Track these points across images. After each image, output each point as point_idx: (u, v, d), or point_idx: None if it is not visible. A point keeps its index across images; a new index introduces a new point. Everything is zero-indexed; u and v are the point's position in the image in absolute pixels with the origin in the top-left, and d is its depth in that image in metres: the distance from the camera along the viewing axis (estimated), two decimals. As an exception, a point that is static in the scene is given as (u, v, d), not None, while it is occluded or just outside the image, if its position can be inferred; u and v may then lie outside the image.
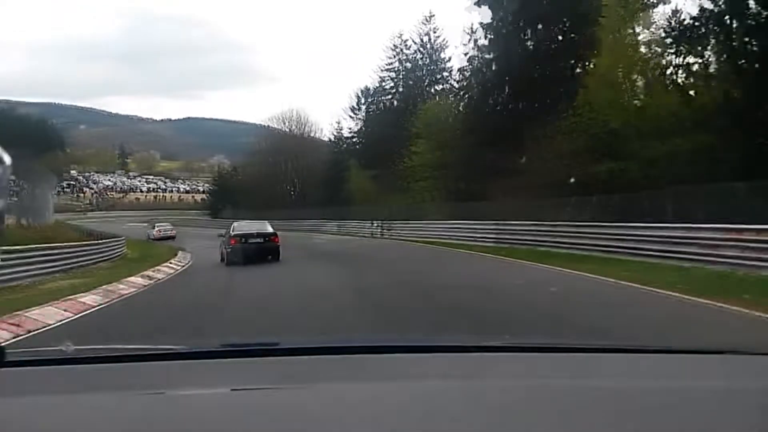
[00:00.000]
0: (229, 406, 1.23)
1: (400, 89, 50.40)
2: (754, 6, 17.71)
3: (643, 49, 20.59)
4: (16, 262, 13.66)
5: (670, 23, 20.28)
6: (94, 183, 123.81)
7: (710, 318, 7.34)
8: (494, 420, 1.13)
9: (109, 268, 18.49)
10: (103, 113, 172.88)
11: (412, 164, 35.62)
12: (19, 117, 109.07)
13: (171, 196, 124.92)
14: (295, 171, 62.29)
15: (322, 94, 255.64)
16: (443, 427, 1.10)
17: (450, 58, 48.17)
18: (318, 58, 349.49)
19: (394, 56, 50.72)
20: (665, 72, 20.20)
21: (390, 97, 51.38)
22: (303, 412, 1.17)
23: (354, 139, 55.12)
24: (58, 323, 8.58)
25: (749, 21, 17.89)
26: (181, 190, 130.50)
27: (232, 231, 18.57)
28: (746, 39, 17.94)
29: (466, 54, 34.21)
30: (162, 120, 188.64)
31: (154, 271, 16.02)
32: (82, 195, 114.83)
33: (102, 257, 21.27)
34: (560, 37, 27.79)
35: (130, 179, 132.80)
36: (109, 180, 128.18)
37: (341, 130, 56.85)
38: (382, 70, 51.58)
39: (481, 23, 32.19)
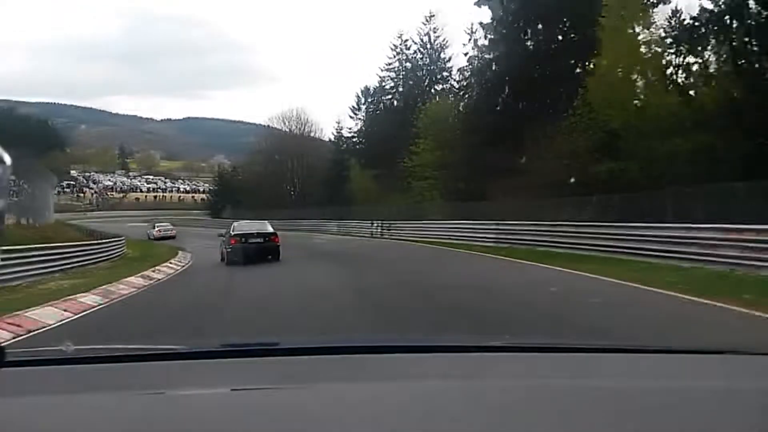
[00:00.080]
0: (229, 406, 1.23)
1: (401, 89, 50.40)
2: (754, 6, 17.73)
3: (643, 49, 20.55)
4: (15, 262, 13.60)
5: (671, 23, 20.31)
6: (95, 183, 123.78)
7: (710, 318, 7.34)
8: (494, 420, 1.13)
9: (109, 268, 18.48)
10: (104, 113, 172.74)
11: (413, 164, 35.62)
12: (19, 117, 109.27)
13: (172, 196, 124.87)
14: (295, 171, 62.31)
15: (322, 94, 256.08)
16: (443, 427, 1.10)
17: (451, 58, 48.28)
18: (319, 58, 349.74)
19: (395, 56, 50.82)
20: (665, 72, 20.19)
21: (390, 96, 51.40)
22: (303, 412, 1.17)
23: (355, 139, 55.12)
24: (58, 323, 8.57)
25: (749, 21, 17.92)
26: (182, 190, 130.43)
27: (233, 231, 18.59)
28: (746, 39, 17.97)
29: (466, 54, 34.31)
30: (163, 120, 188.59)
31: (154, 271, 16.02)
32: (82, 195, 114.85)
33: (102, 257, 21.26)
34: (560, 37, 27.84)
35: (131, 179, 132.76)
36: (110, 180, 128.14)
37: (342, 129, 56.99)
38: (382, 70, 51.70)
39: (480, 23, 32.31)
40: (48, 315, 8.89)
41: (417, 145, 35.53)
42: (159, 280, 14.88)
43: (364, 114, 54.13)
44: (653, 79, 20.55)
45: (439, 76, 48.83)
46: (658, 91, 19.96)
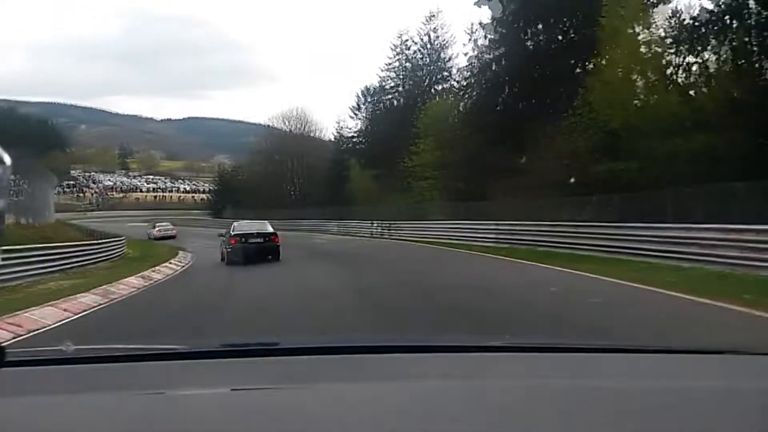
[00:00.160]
0: (229, 406, 1.23)
1: (402, 89, 50.29)
2: (753, 6, 17.72)
3: (643, 49, 20.52)
4: (14, 262, 13.52)
5: (671, 23, 20.28)
6: (95, 183, 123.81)
7: (711, 318, 7.34)
8: (494, 420, 1.13)
9: (109, 268, 18.47)
10: (104, 113, 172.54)
11: (413, 164, 35.56)
12: (19, 117, 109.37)
13: (173, 196, 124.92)
14: (296, 171, 62.29)
15: (324, 94, 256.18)
16: (443, 427, 1.10)
17: (452, 57, 48.14)
18: (319, 58, 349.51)
19: (396, 56, 50.75)
20: (665, 72, 20.18)
21: (391, 96, 51.30)
22: (303, 412, 1.17)
23: (355, 139, 55.04)
24: (58, 323, 8.56)
25: (749, 21, 17.92)
26: (183, 190, 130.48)
27: (233, 231, 18.61)
28: (746, 39, 17.96)
29: (470, 51, 34.28)
30: (163, 120, 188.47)
31: (153, 272, 16.00)
32: (83, 195, 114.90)
33: (102, 257, 21.26)
34: (561, 37, 27.81)
35: (132, 179, 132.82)
36: (111, 180, 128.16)
37: (342, 129, 56.93)
38: (383, 70, 51.63)
39: (480, 23, 32.32)
40: (47, 315, 8.86)
41: (417, 145, 35.48)
42: (158, 280, 14.87)
43: (364, 114, 54.13)
44: (653, 79, 20.54)
45: (439, 76, 48.68)
46: (658, 90, 19.95)
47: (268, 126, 70.91)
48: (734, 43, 18.40)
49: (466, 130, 31.25)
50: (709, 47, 19.30)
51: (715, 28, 18.67)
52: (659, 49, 20.17)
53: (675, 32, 19.93)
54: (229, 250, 17.97)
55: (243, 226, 19.56)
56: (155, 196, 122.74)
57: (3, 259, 13.04)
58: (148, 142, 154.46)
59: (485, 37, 31.94)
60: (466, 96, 34.48)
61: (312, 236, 36.02)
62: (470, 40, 33.35)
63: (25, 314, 8.71)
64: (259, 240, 18.33)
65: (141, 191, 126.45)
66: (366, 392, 1.31)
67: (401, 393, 1.29)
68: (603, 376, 1.47)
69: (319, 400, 1.25)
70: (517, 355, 1.69)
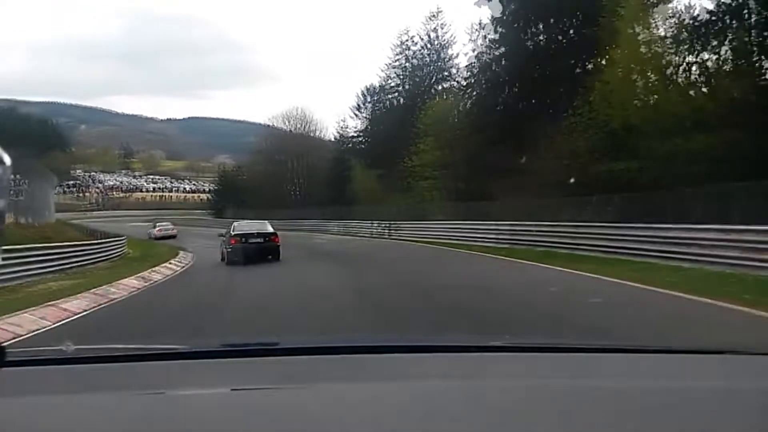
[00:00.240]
0: (229, 406, 1.23)
1: (405, 87, 50.11)
2: (753, 5, 17.73)
3: (647, 48, 20.47)
4: (11, 262, 13.23)
5: (671, 22, 20.25)
6: (99, 182, 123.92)
7: (711, 317, 7.35)
8: (494, 420, 1.13)
9: (108, 268, 18.45)
10: (106, 113, 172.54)
11: (416, 163, 35.46)
12: (20, 116, 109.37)
13: (175, 196, 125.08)
14: (298, 170, 62.26)
15: (326, 94, 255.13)
16: (443, 427, 1.10)
17: (455, 56, 47.87)
18: (321, 57, 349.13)
19: (399, 53, 50.51)
20: (665, 71, 20.16)
21: (395, 95, 51.13)
22: (303, 412, 1.17)
23: (358, 138, 54.93)
24: (37, 332, 8.14)
25: (749, 20, 17.92)
26: (185, 189, 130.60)
27: (233, 231, 18.62)
28: (746, 38, 17.95)
29: (470, 52, 34.24)
30: (166, 120, 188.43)
31: (153, 272, 15.93)
32: (85, 195, 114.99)
33: (101, 257, 21.24)
34: (560, 37, 27.78)
35: (135, 179, 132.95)
36: (114, 180, 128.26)
37: (345, 128, 56.81)
38: (387, 68, 51.42)
39: (480, 23, 32.33)
40: (30, 321, 8.49)
41: (418, 144, 35.40)
42: (157, 281, 14.79)
43: (365, 114, 54.01)
44: (653, 79, 20.52)
45: (441, 76, 48.45)
46: (658, 90, 19.93)
47: (270, 126, 70.99)
48: (734, 43, 18.40)
49: (467, 130, 31.24)
50: (709, 47, 19.30)
51: (715, 28, 18.67)
52: (659, 49, 20.16)
53: (675, 32, 19.92)
54: (229, 250, 17.97)
55: (243, 226, 19.57)
56: (159, 196, 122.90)
57: (3, 259, 13.00)
58: (150, 142, 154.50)
59: (484, 38, 31.96)
60: (467, 96, 34.46)
61: (313, 236, 36.02)
62: (471, 39, 33.37)
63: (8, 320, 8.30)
64: (259, 240, 18.33)
65: (144, 191, 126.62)
66: (366, 392, 1.31)
67: (401, 393, 1.29)
68: (603, 376, 1.47)
69: (319, 400, 1.25)
70: (517, 355, 1.69)
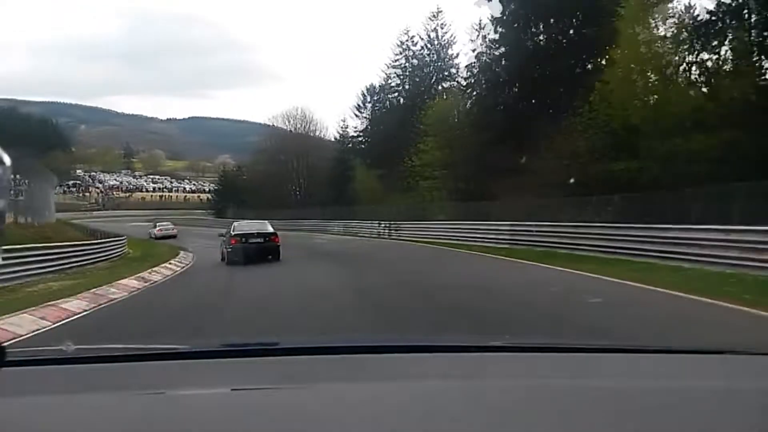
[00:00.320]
0: (229, 406, 1.23)
1: (406, 87, 50.04)
2: (754, 5, 17.73)
3: (644, 49, 20.48)
4: (11, 262, 13.13)
5: (671, 22, 20.26)
6: (100, 182, 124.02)
7: (712, 317, 7.35)
8: (494, 420, 1.13)
9: (108, 268, 18.42)
10: (107, 112, 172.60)
11: (418, 163, 35.40)
12: (21, 116, 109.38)
13: (176, 196, 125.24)
14: (299, 170, 62.28)
15: (327, 93, 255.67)
16: (443, 427, 1.10)
17: (455, 56, 47.92)
18: (323, 57, 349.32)
19: (401, 53, 50.45)
20: (665, 71, 20.17)
21: (396, 94, 51.09)
22: (303, 412, 1.17)
23: (359, 138, 54.93)
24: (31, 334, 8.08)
25: (749, 20, 17.91)
26: (187, 189, 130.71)
27: (233, 231, 18.62)
28: (746, 38, 17.95)
29: (470, 52, 34.18)
30: (167, 119, 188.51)
31: (152, 273, 15.85)
32: (87, 194, 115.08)
33: (101, 257, 21.20)
34: (561, 37, 27.77)
35: (136, 179, 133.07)
36: (115, 179, 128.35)
37: (346, 128, 56.80)
38: (388, 68, 51.38)
39: (480, 23, 32.33)
40: (24, 323, 8.37)
41: (421, 144, 35.32)
42: (157, 281, 14.72)
43: (369, 113, 53.91)
44: (653, 79, 20.53)
45: (443, 75, 48.44)
46: (658, 90, 19.92)
47: (271, 126, 70.99)
48: (734, 43, 18.40)
49: (468, 130, 31.25)
50: (709, 47, 19.30)
51: (715, 28, 18.67)
52: (660, 49, 20.17)
53: (675, 32, 19.93)
54: (230, 250, 17.97)
55: (243, 226, 19.57)
56: (160, 196, 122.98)
57: (3, 259, 12.97)
58: (151, 141, 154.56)
59: (483, 38, 31.97)
60: (467, 96, 34.42)
61: (314, 236, 36.00)
62: (471, 39, 33.39)
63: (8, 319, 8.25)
64: (259, 240, 18.33)
65: (146, 191, 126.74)
66: (366, 392, 1.31)
67: (401, 393, 1.29)
68: (603, 376, 1.47)
69: (319, 400, 1.25)
70: (517, 355, 1.69)
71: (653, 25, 20.42)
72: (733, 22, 18.55)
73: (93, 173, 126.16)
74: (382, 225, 34.23)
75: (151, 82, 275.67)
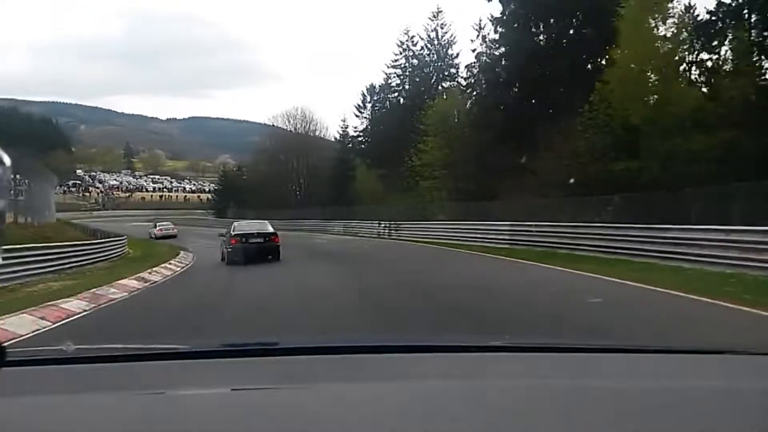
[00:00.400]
0: (229, 406, 1.23)
1: (407, 86, 50.00)
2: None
3: (648, 48, 20.44)
4: (10, 263, 12.90)
5: (680, 21, 20.23)
6: (100, 182, 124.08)
7: (712, 317, 7.35)
8: (494, 420, 1.13)
9: (107, 268, 18.38)
10: (109, 112, 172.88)
11: (418, 163, 35.30)
12: (22, 116, 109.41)
13: (177, 196, 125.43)
14: (300, 170, 62.23)
15: (328, 93, 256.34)
16: (443, 427, 1.10)
17: (455, 56, 47.92)
18: (324, 57, 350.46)
19: (401, 53, 50.42)
20: (665, 71, 20.15)
21: (396, 94, 51.06)
22: (303, 412, 1.17)
23: (360, 138, 54.88)
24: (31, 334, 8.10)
25: (749, 22, 17.92)
26: (187, 189, 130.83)
27: (233, 231, 18.62)
28: (746, 38, 17.95)
29: (472, 51, 34.16)
30: (167, 119, 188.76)
31: (152, 273, 15.80)
32: (88, 194, 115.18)
33: (101, 257, 21.16)
34: (562, 37, 27.78)
35: (136, 179, 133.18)
36: (115, 179, 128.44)
37: (347, 128, 56.74)
38: (388, 67, 51.35)
39: (480, 23, 32.33)
40: (30, 320, 8.45)
41: (421, 144, 35.23)
42: (156, 282, 14.67)
43: (369, 112, 53.88)
44: (653, 79, 20.51)
45: (446, 73, 48.38)
46: (661, 90, 19.89)
47: (272, 125, 70.98)
48: (734, 43, 18.41)
49: (469, 130, 31.24)
50: (709, 47, 19.31)
51: (714, 29, 18.68)
52: (660, 50, 20.16)
53: (675, 32, 19.93)
54: (230, 250, 17.97)
55: (243, 226, 19.57)
56: (161, 196, 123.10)
57: (3, 259, 12.92)
58: (152, 141, 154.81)
59: (483, 38, 31.98)
60: (474, 93, 34.33)
61: (314, 236, 35.98)
62: (471, 40, 33.37)
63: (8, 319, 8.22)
64: (259, 240, 18.33)
65: (146, 191, 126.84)
66: (366, 392, 1.31)
67: (401, 393, 1.29)
68: (603, 376, 1.47)
69: (319, 400, 1.25)
70: (517, 355, 1.69)
71: (653, 25, 20.40)
72: (733, 22, 18.55)
73: (93, 173, 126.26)
74: (382, 225, 34.21)
75: (152, 82, 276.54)
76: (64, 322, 8.69)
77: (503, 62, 29.93)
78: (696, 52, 20.13)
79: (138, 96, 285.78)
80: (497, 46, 30.61)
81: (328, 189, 52.13)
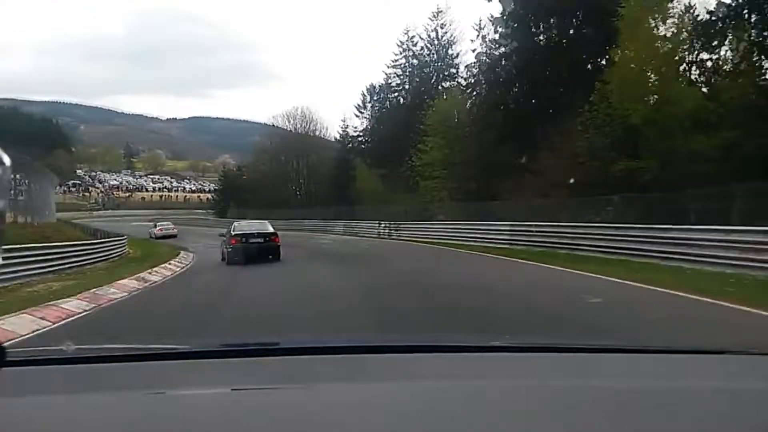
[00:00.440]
0: (229, 406, 1.23)
1: (408, 86, 49.90)
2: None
3: (648, 48, 20.41)
4: (10, 263, 12.74)
5: (680, 21, 20.21)
6: (101, 182, 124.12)
7: (712, 317, 7.35)
8: (494, 420, 1.13)
9: (107, 268, 18.36)
10: (110, 112, 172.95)
11: (419, 163, 35.27)
12: (23, 115, 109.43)
13: (177, 196, 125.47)
14: (301, 170, 62.16)
15: (329, 93, 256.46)
16: (443, 427, 1.10)
17: (456, 55, 47.84)
18: (325, 56, 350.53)
19: (402, 52, 50.32)
20: (665, 71, 20.13)
21: (397, 94, 50.95)
22: (303, 412, 1.17)
23: (361, 138, 54.75)
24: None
25: (749, 22, 17.90)
26: (188, 189, 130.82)
27: (233, 231, 18.63)
28: (746, 39, 17.94)
29: (472, 51, 34.13)
30: (169, 119, 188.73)
31: (151, 273, 15.79)
32: (88, 194, 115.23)
33: (101, 257, 21.12)
34: (562, 37, 27.76)
35: (137, 179, 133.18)
36: (116, 179, 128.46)
37: (348, 128, 56.61)
38: (389, 67, 51.25)
39: (480, 22, 32.30)
40: (31, 320, 8.46)
41: (421, 144, 35.21)
42: (156, 282, 14.66)
43: (370, 112, 53.78)
44: (654, 79, 20.49)
45: (446, 73, 48.26)
46: (661, 90, 19.88)
47: (273, 125, 70.87)
48: (734, 43, 18.40)
49: (470, 130, 31.22)
50: (709, 47, 19.31)
51: (714, 29, 18.67)
52: (660, 49, 20.14)
53: (675, 32, 19.92)
54: (230, 249, 17.98)
55: (243, 226, 19.59)
56: (161, 196, 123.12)
57: (3, 259, 12.84)
58: (153, 141, 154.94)
59: (483, 38, 31.96)
60: (474, 92, 34.28)
61: (315, 237, 35.96)
62: (472, 40, 33.36)
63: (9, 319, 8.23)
64: (259, 240, 18.34)
65: (147, 191, 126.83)
66: (366, 392, 1.31)
67: (401, 393, 1.29)
68: (603, 376, 1.47)
69: (319, 400, 1.25)
70: (517, 355, 1.69)
71: (653, 25, 20.38)
72: (733, 22, 18.54)
73: (94, 173, 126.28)
74: (382, 225, 34.20)
75: (153, 81, 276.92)
76: (64, 322, 8.70)
77: (503, 62, 29.89)
78: (696, 52, 20.12)
79: (139, 96, 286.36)
80: (497, 46, 30.59)
81: (329, 189, 52.06)
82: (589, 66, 25.82)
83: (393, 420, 1.13)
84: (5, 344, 0.97)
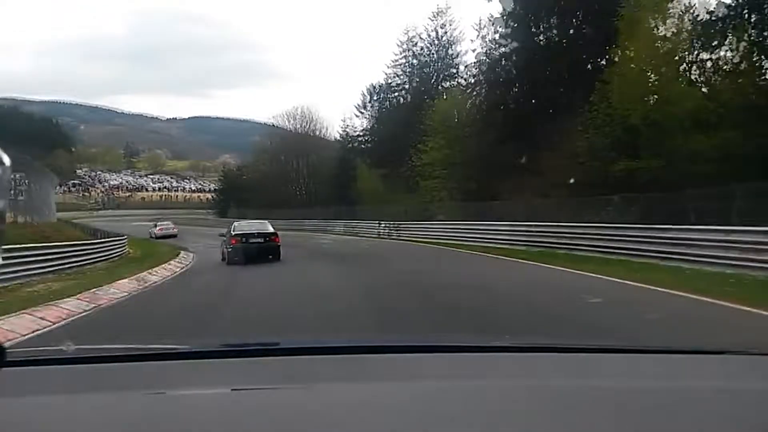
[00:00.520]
0: (229, 406, 1.23)
1: (409, 86, 49.78)
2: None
3: (648, 48, 20.40)
4: (10, 263, 12.72)
5: (680, 20, 20.19)
6: (101, 182, 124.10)
7: (712, 317, 7.35)
8: (494, 420, 1.13)
9: (106, 268, 18.34)
10: (110, 112, 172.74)
11: (419, 163, 35.22)
12: (23, 115, 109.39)
13: (178, 196, 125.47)
14: (302, 170, 62.08)
15: (330, 92, 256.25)
16: (443, 427, 1.10)
17: (457, 55, 47.68)
18: (327, 56, 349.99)
19: (403, 52, 50.23)
20: (665, 72, 20.13)
21: (398, 94, 50.83)
22: (303, 412, 1.17)
23: (362, 138, 54.65)
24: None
25: (749, 23, 17.90)
26: (189, 189, 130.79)
27: (233, 231, 18.63)
28: (746, 39, 17.93)
29: (472, 51, 34.09)
30: (170, 119, 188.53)
31: (151, 273, 15.76)
32: (88, 194, 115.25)
33: (101, 257, 21.10)
34: (563, 37, 27.74)
35: (138, 178, 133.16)
36: (117, 179, 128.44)
37: (348, 128, 56.51)
38: (390, 67, 51.12)
39: (480, 22, 32.27)
40: (31, 320, 8.41)
41: (421, 144, 35.16)
42: (155, 282, 14.63)
43: (371, 112, 53.70)
44: (654, 79, 20.48)
45: (447, 73, 48.08)
46: (661, 90, 19.87)
47: (274, 125, 70.79)
48: (734, 43, 18.39)
49: (471, 129, 31.20)
50: (709, 47, 19.30)
51: (714, 29, 18.67)
52: (660, 49, 20.14)
53: (675, 32, 19.92)
54: (230, 249, 17.97)
55: (243, 226, 19.59)
56: (161, 196, 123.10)
57: (3, 259, 12.81)
58: (154, 141, 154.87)
59: (483, 38, 31.93)
60: (475, 92, 34.24)
61: (316, 236, 35.94)
62: (472, 40, 33.33)
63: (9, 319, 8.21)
64: (259, 240, 18.34)
65: (147, 190, 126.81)
66: (366, 392, 1.31)
67: (401, 393, 1.29)
68: (603, 376, 1.47)
69: (319, 400, 1.25)
70: (517, 355, 1.69)
71: (653, 25, 20.37)
72: (733, 22, 18.53)
73: (94, 173, 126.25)
74: (383, 225, 34.19)
75: (153, 81, 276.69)
76: (64, 322, 8.69)
77: (503, 62, 29.88)
78: (696, 52, 20.11)
79: (139, 96, 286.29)
80: (497, 46, 30.57)
81: (330, 189, 51.98)
82: (589, 66, 25.79)
83: (393, 420, 1.13)
84: (5, 344, 0.97)
